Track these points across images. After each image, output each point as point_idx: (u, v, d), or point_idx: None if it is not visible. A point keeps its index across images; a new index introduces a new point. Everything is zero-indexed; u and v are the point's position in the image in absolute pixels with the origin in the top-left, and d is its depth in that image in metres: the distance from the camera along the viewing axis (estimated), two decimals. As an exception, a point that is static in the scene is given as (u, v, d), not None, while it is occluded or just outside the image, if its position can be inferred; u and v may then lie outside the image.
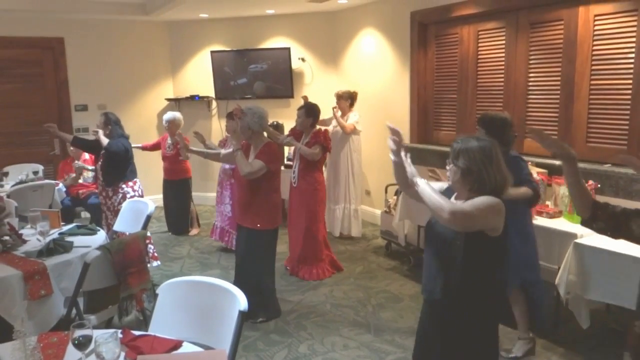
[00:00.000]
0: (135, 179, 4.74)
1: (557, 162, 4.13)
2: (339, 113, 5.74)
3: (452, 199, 2.21)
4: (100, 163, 4.65)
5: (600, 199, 3.72)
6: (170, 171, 6.02)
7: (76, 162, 5.77)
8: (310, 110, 4.73)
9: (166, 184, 6.15)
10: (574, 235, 3.29)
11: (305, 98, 5.72)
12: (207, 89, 7.40)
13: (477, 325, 2.14)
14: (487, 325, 2.18)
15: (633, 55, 3.72)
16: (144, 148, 6.13)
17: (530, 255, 3.25)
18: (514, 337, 3.40)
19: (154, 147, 6.15)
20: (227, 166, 5.33)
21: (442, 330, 2.18)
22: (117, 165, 4.57)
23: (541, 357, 3.31)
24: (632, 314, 1.80)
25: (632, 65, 3.74)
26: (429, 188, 2.08)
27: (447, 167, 2.17)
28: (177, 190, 6.08)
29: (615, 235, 1.88)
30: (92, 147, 4.75)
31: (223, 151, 4.31)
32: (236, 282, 3.83)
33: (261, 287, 3.88)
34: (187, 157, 4.35)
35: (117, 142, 4.49)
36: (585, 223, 1.93)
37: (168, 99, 7.56)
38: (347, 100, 5.77)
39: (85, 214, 6.39)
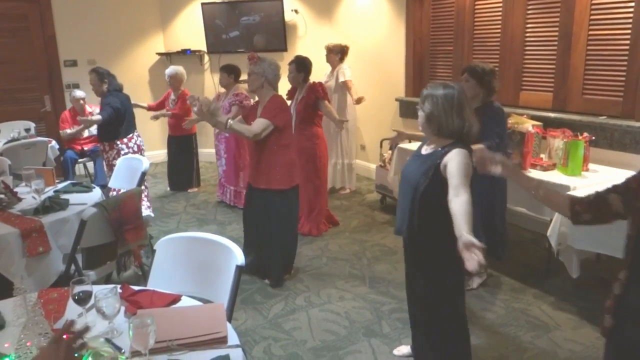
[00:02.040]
0: (131, 134, 4.70)
1: (553, 115, 4.15)
2: (329, 71, 5.68)
3: (425, 146, 2.39)
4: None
5: (595, 151, 3.77)
6: (174, 127, 5.93)
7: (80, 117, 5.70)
8: (301, 65, 4.61)
9: (171, 140, 6.08)
10: (567, 188, 3.32)
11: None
12: (198, 42, 7.24)
13: (440, 256, 2.34)
14: (451, 257, 2.26)
15: (633, 3, 3.65)
16: (149, 108, 5.98)
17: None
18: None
19: (160, 105, 5.99)
20: None
21: (413, 262, 2.50)
22: (111, 124, 4.52)
23: (532, 306, 3.40)
24: (612, 276, 1.79)
25: (631, 15, 3.67)
26: (459, 216, 1.96)
27: (419, 113, 2.33)
28: (180, 146, 6.03)
29: (604, 220, 1.80)
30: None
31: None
32: (248, 246, 3.81)
33: (280, 249, 3.77)
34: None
35: (106, 110, 4.42)
36: (574, 222, 1.86)
37: (159, 54, 7.41)
38: (337, 54, 5.65)
39: (80, 170, 6.40)
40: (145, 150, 4.99)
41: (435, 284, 2.40)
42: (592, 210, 1.79)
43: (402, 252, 4.36)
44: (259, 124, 3.44)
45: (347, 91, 5.57)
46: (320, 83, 4.77)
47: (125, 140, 4.65)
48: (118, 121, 4.56)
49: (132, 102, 4.96)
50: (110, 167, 4.58)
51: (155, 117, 5.88)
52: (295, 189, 3.75)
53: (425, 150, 2.37)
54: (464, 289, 2.51)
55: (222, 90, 5.47)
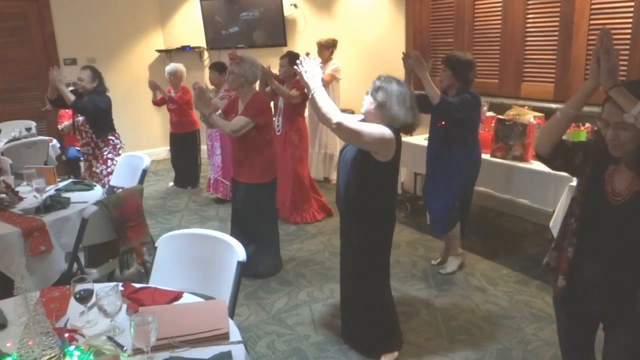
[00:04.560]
0: (117, 132, 4.69)
1: (555, 106, 4.13)
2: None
3: None
4: (83, 117, 4.56)
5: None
6: (177, 124, 5.91)
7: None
8: (293, 59, 4.62)
9: (173, 137, 6.05)
10: (569, 179, 3.30)
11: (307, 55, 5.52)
12: (198, 39, 7.22)
13: (369, 229, 2.66)
14: (378, 230, 2.69)
15: (634, -8, 3.62)
16: (155, 103, 5.99)
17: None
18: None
19: (162, 101, 5.95)
20: None
21: (346, 233, 2.75)
22: (101, 119, 4.45)
23: (536, 298, 3.39)
24: (564, 241, 1.88)
25: (632, 4, 3.64)
26: (325, 98, 2.38)
27: (365, 97, 2.50)
28: (184, 143, 6.00)
29: (567, 171, 1.93)
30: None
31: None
32: (233, 236, 3.85)
33: (261, 241, 3.82)
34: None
35: (88, 103, 4.32)
36: (545, 161, 1.92)
37: (159, 51, 7.39)
38: (328, 49, 5.70)
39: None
40: (147, 147, 4.96)
41: (366, 242, 2.69)
42: (566, 156, 1.86)
43: (405, 246, 4.39)
44: (239, 122, 3.52)
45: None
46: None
47: (116, 134, 4.63)
48: (107, 118, 4.51)
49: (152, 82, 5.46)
50: (105, 161, 4.55)
51: (153, 86, 5.74)
52: (275, 181, 3.86)
53: None
54: (388, 250, 2.79)
55: (212, 87, 5.47)
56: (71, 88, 4.45)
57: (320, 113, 2.38)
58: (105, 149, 4.54)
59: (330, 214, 5.03)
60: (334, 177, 5.99)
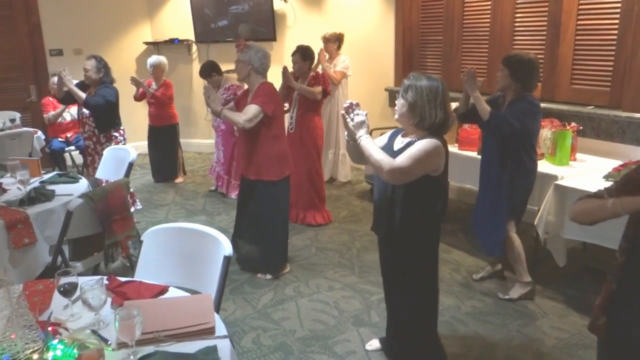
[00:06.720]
0: (122, 127, 4.61)
1: (541, 105, 4.11)
2: (327, 57, 5.60)
3: (399, 137, 2.41)
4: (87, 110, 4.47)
5: (583, 140, 3.80)
6: (157, 117, 5.84)
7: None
8: (305, 54, 4.56)
9: (152, 130, 5.97)
10: (555, 177, 3.34)
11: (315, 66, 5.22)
12: (186, 31, 7.17)
13: (418, 255, 2.43)
14: (427, 255, 2.47)
15: (621, -7, 3.66)
16: (137, 99, 5.90)
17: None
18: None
19: (143, 95, 5.86)
20: None
21: (390, 260, 2.55)
22: (107, 113, 4.34)
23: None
24: (612, 275, 1.76)
25: (619, 5, 3.68)
26: (372, 146, 2.24)
27: (397, 101, 2.34)
28: (163, 136, 5.93)
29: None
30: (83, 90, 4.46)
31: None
32: (239, 237, 3.77)
33: (273, 242, 3.72)
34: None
35: (97, 98, 4.19)
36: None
37: (146, 43, 7.32)
38: (334, 43, 5.59)
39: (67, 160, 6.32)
40: (132, 141, 4.90)
41: (413, 275, 2.48)
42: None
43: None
44: (250, 110, 3.37)
45: (333, 81, 5.44)
46: (324, 73, 4.72)
47: (121, 130, 4.55)
48: (113, 112, 4.40)
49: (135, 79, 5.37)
50: None
51: (136, 82, 5.64)
52: (286, 180, 3.70)
53: (401, 143, 2.36)
54: (437, 284, 2.56)
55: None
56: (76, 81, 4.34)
57: (369, 162, 2.26)
58: (108, 144, 4.39)
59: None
60: (342, 177, 5.91)
